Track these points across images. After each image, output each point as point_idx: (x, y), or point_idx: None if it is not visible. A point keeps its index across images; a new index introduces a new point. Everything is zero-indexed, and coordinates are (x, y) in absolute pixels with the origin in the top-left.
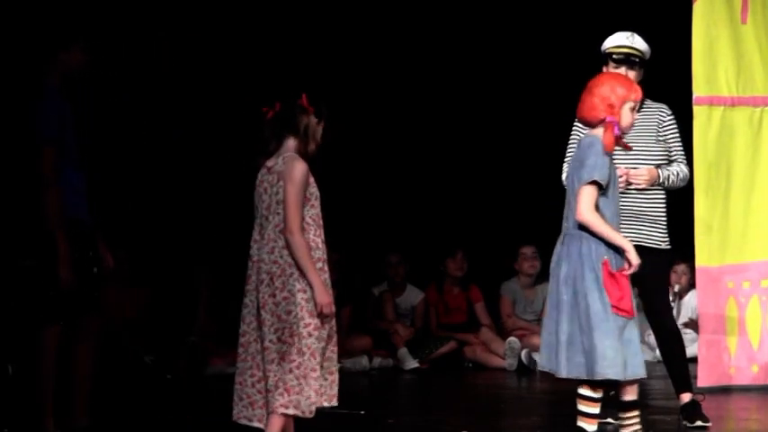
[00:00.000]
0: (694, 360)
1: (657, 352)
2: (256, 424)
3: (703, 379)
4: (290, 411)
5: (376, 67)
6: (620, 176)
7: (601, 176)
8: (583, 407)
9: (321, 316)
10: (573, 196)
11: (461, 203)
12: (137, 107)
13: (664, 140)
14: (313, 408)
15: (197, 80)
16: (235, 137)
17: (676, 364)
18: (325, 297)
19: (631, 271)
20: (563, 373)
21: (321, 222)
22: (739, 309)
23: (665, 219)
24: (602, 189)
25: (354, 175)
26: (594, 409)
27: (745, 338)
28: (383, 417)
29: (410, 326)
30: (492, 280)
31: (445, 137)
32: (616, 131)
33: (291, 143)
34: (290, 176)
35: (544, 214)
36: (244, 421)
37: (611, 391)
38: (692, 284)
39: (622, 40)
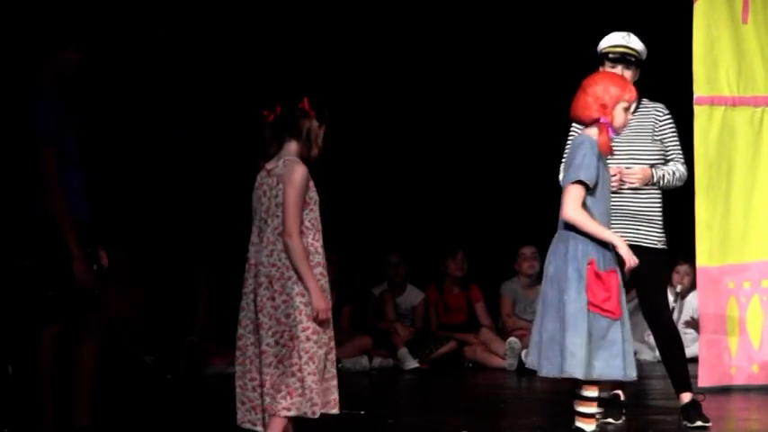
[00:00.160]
0: (696, 360)
1: (657, 352)
2: (259, 428)
3: (704, 379)
4: (293, 413)
5: (376, 67)
6: (614, 175)
7: (587, 176)
8: (580, 407)
9: (317, 321)
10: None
11: (461, 203)
12: (137, 107)
13: (660, 140)
14: (315, 409)
15: (197, 80)
16: (235, 137)
17: (675, 363)
18: (321, 302)
19: (629, 267)
20: (542, 371)
21: (320, 226)
22: (740, 309)
23: (660, 218)
24: (589, 189)
25: (354, 175)
26: (592, 408)
27: (745, 338)
28: (383, 417)
29: (410, 326)
30: (492, 280)
31: (445, 137)
32: (611, 134)
33: (292, 146)
34: (290, 180)
35: (544, 214)
36: (248, 425)
37: (611, 391)
38: (694, 285)
39: (618, 40)
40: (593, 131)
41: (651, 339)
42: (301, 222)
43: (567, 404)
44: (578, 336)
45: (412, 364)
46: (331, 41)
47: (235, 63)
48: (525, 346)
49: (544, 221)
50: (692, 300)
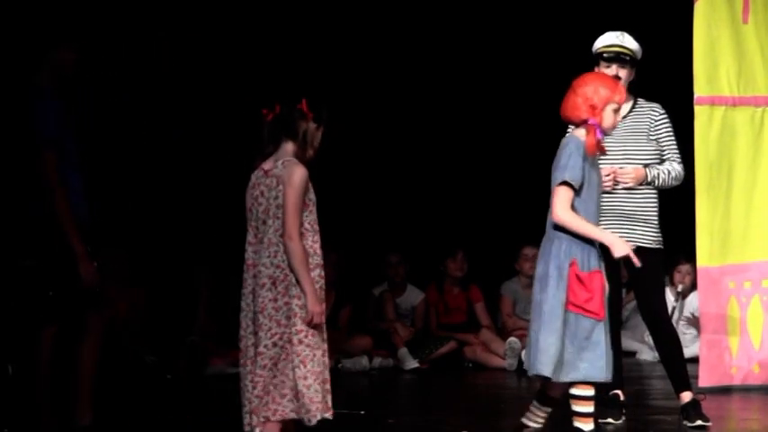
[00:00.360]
0: (696, 360)
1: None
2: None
3: (704, 379)
4: (287, 416)
5: (377, 67)
6: (607, 175)
7: (572, 177)
8: (577, 407)
9: (310, 325)
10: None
11: (462, 203)
12: (137, 107)
13: (655, 140)
14: (310, 416)
15: (197, 80)
16: (235, 137)
17: (674, 363)
18: (316, 306)
19: (618, 256)
20: (530, 371)
21: (318, 228)
22: (740, 309)
23: (656, 218)
24: (575, 190)
25: (354, 174)
26: (589, 407)
27: (746, 338)
28: (383, 417)
29: (410, 326)
30: (492, 280)
31: (445, 137)
32: (598, 135)
33: (289, 147)
34: (290, 181)
35: (545, 215)
36: (248, 428)
37: (611, 391)
38: (695, 284)
39: (612, 40)
40: (580, 132)
41: (651, 339)
42: (301, 224)
43: (566, 404)
44: (551, 335)
45: (412, 364)
46: (332, 42)
47: (235, 63)
48: (525, 346)
49: (545, 222)
50: (692, 299)
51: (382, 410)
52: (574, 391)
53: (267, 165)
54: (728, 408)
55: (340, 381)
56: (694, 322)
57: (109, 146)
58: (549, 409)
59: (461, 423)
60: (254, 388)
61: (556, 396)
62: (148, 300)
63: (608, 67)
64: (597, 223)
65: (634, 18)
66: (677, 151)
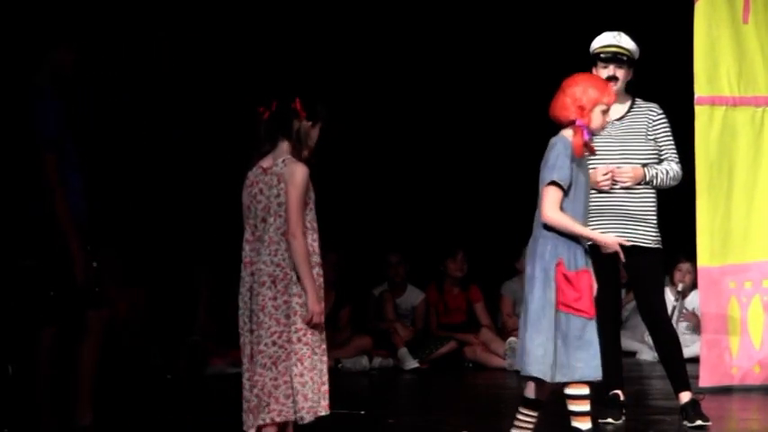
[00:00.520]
0: (696, 360)
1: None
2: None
3: (705, 379)
4: (281, 418)
5: (377, 66)
6: (606, 174)
7: (560, 177)
8: (573, 406)
9: (309, 324)
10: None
11: (462, 204)
12: (137, 107)
13: (653, 139)
14: (303, 414)
15: (197, 80)
16: (235, 137)
17: (674, 363)
18: (316, 306)
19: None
20: (522, 372)
21: (316, 227)
22: (741, 309)
23: (655, 218)
24: (563, 190)
25: (355, 174)
26: (585, 406)
27: (746, 338)
28: (383, 417)
29: (410, 326)
30: (492, 280)
31: (446, 137)
32: (585, 136)
33: (286, 145)
34: (292, 179)
35: None
36: (245, 428)
37: (611, 391)
38: (695, 283)
39: (609, 40)
40: (568, 132)
41: (651, 339)
42: (303, 223)
43: (557, 405)
44: (538, 335)
45: (412, 364)
46: (332, 41)
47: (235, 63)
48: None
49: None
50: (693, 298)
51: (382, 410)
52: (569, 390)
53: (265, 162)
54: (729, 408)
55: (340, 381)
56: (692, 318)
57: (109, 146)
58: (536, 413)
59: (461, 423)
60: (252, 387)
61: (542, 398)
62: (148, 300)
63: (605, 67)
64: (585, 223)
65: (634, 18)
66: (675, 151)
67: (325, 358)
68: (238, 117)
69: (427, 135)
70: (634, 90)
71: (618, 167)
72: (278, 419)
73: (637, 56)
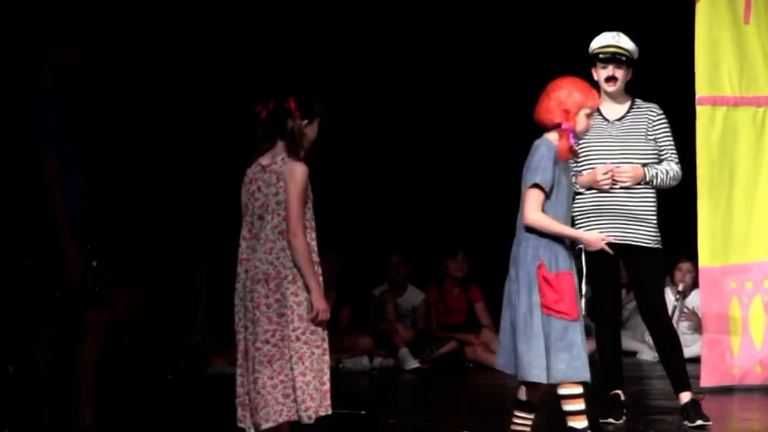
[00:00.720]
0: (697, 360)
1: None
2: (249, 427)
3: (706, 379)
4: (283, 418)
5: (377, 66)
6: (605, 173)
7: (543, 180)
8: (568, 406)
9: (315, 321)
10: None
11: (462, 204)
12: (137, 107)
13: (653, 140)
14: (311, 414)
15: (197, 80)
16: (234, 136)
17: (674, 363)
18: (322, 303)
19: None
20: (519, 377)
21: (314, 225)
22: (742, 309)
23: (654, 218)
24: (546, 193)
25: (355, 175)
26: (579, 405)
27: (748, 338)
28: (384, 417)
29: (411, 326)
30: (492, 280)
31: (446, 137)
32: (571, 141)
33: (282, 144)
34: (292, 178)
35: None
36: (240, 425)
37: (612, 391)
38: (696, 283)
39: (608, 40)
40: (552, 136)
41: (651, 339)
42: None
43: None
44: (528, 340)
45: (413, 364)
46: (333, 42)
47: (235, 63)
48: None
49: None
50: (693, 298)
51: (383, 410)
52: (562, 391)
53: (264, 160)
54: (729, 408)
55: (341, 381)
56: (692, 317)
57: (109, 146)
58: (532, 416)
59: (462, 423)
60: (250, 384)
61: (535, 400)
62: (148, 300)
63: (604, 67)
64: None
65: (634, 18)
66: (675, 152)
67: (326, 358)
68: (238, 117)
69: (428, 135)
70: (634, 90)
71: (617, 167)
72: (281, 420)
73: (636, 56)
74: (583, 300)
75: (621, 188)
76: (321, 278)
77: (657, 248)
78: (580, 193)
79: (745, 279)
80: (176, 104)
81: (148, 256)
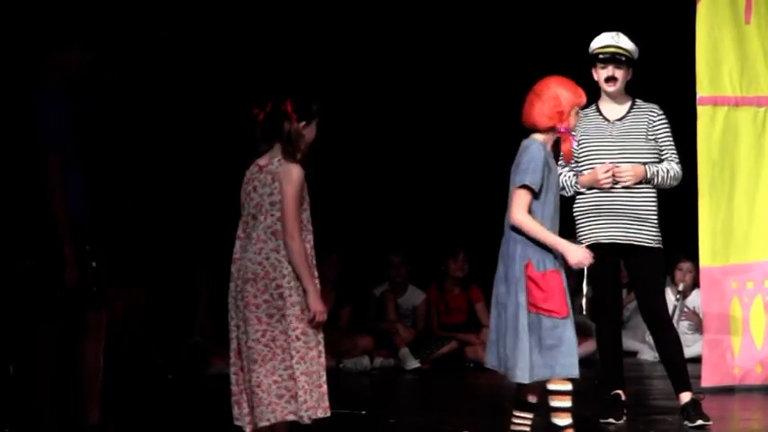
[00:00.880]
0: (698, 360)
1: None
2: (246, 426)
3: (707, 379)
4: (287, 418)
5: (377, 66)
6: (606, 172)
7: (532, 181)
8: (555, 402)
9: (312, 323)
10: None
11: (462, 204)
12: (137, 107)
13: (654, 140)
14: (311, 413)
15: (197, 80)
16: (234, 137)
17: (674, 363)
18: (319, 305)
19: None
20: (509, 377)
21: (311, 227)
22: (743, 309)
23: (656, 218)
24: (534, 193)
25: (356, 175)
26: (566, 402)
27: (748, 338)
28: (384, 417)
29: (411, 326)
30: (493, 280)
31: (447, 137)
32: (573, 142)
33: (280, 146)
34: (288, 178)
35: None
36: (237, 423)
37: (612, 391)
38: (696, 283)
39: (608, 40)
40: (541, 136)
41: (651, 339)
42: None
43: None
44: (517, 340)
45: (413, 364)
46: (333, 41)
47: (234, 63)
48: None
49: None
50: (694, 298)
51: (383, 410)
52: (551, 386)
53: (262, 161)
54: (730, 408)
55: (341, 381)
56: (693, 317)
57: (109, 146)
58: (531, 416)
59: (463, 423)
60: (244, 383)
61: (533, 400)
62: (148, 300)
63: (604, 67)
64: (556, 227)
65: (635, 18)
66: (675, 152)
67: (322, 359)
68: (238, 117)
69: (428, 135)
70: (634, 90)
71: (616, 166)
72: (275, 419)
73: (636, 56)
74: (584, 299)
75: (622, 188)
76: (318, 279)
77: (658, 248)
78: (581, 193)
79: (745, 279)
80: (176, 104)
81: (148, 256)
